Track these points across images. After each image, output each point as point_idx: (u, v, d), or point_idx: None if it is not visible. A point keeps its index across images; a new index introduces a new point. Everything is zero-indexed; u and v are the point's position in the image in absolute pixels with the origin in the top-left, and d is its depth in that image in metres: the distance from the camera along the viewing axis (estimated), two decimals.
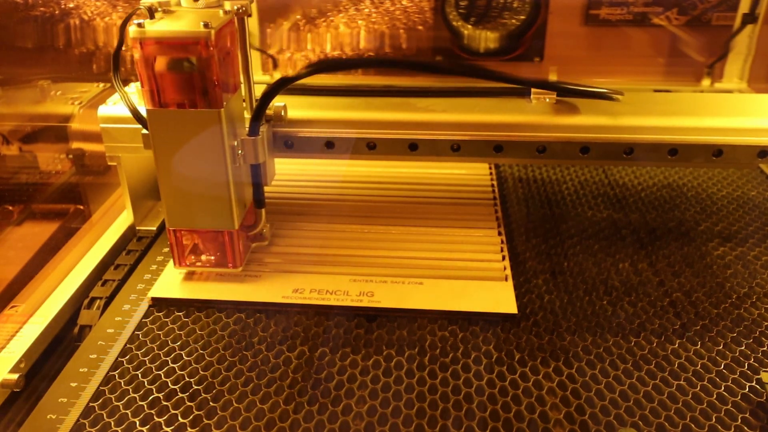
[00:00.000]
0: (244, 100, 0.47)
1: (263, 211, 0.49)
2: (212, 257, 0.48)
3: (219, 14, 0.42)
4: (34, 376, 0.42)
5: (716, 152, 0.47)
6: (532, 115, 0.48)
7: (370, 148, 0.49)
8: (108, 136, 0.51)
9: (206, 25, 0.39)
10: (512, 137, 0.48)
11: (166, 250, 0.53)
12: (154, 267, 0.50)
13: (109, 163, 0.52)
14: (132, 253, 0.53)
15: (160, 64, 0.40)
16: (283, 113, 0.48)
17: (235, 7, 0.43)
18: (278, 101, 0.47)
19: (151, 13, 0.42)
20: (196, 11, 0.43)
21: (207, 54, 0.40)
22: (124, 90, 0.48)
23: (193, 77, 0.41)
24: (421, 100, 0.51)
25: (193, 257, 0.48)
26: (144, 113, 0.50)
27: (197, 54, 0.40)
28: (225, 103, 0.42)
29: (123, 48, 0.47)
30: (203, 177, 0.44)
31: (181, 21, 0.41)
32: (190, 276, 0.48)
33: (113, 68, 0.48)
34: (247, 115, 0.46)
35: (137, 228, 0.55)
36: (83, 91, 0.72)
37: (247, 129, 0.45)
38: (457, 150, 0.49)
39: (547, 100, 0.50)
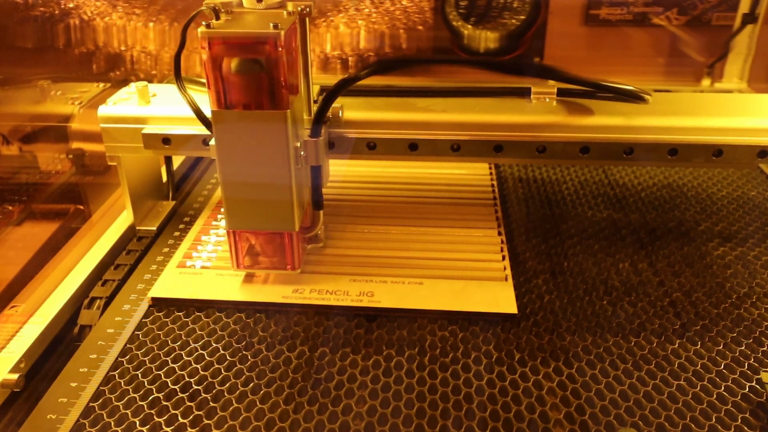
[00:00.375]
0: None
1: (321, 213, 0.49)
2: (271, 259, 0.48)
3: (283, 15, 0.41)
4: (34, 376, 0.42)
5: (716, 152, 0.47)
6: (532, 115, 0.48)
7: (371, 148, 0.49)
8: (108, 136, 0.51)
9: (276, 26, 0.39)
10: (512, 137, 0.48)
11: (166, 250, 0.53)
12: (154, 267, 0.50)
13: (109, 163, 0.52)
14: (132, 253, 0.53)
15: (228, 64, 0.40)
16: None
17: (299, 8, 0.43)
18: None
19: (216, 13, 0.41)
20: (260, 12, 0.43)
21: (276, 55, 0.39)
22: (186, 92, 0.47)
23: (260, 78, 0.40)
24: (421, 100, 0.51)
25: (249, 259, 0.48)
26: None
27: (266, 54, 0.39)
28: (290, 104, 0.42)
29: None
30: (266, 179, 0.43)
31: (247, 22, 0.41)
32: (190, 276, 0.48)
33: (175, 72, 0.47)
34: (306, 116, 0.46)
35: (137, 228, 0.55)
36: (83, 91, 0.72)
37: (306, 130, 0.45)
38: (457, 150, 0.49)
39: (547, 100, 0.50)
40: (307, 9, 0.43)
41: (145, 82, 0.52)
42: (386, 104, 0.50)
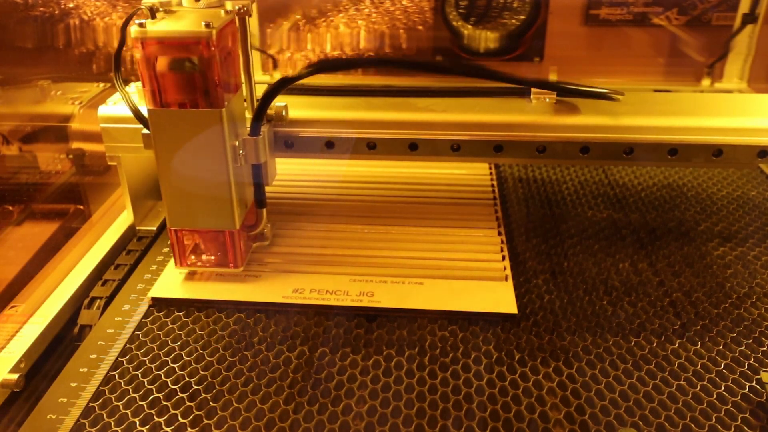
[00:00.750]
0: (245, 100, 0.47)
1: (264, 211, 0.49)
2: (213, 257, 0.48)
3: (220, 14, 0.42)
4: (34, 376, 0.42)
5: (716, 152, 0.47)
6: (532, 115, 0.48)
7: (370, 148, 0.49)
8: (108, 136, 0.51)
9: (207, 25, 0.39)
10: (512, 137, 0.48)
11: (166, 250, 0.53)
12: (154, 267, 0.50)
13: (109, 163, 0.52)
14: (132, 253, 0.53)
15: (162, 63, 0.40)
16: (284, 113, 0.48)
17: (237, 7, 0.43)
18: (278, 101, 0.47)
19: (153, 13, 0.42)
20: (198, 11, 0.43)
21: (208, 54, 0.40)
22: (125, 90, 0.48)
23: (194, 77, 0.41)
24: (421, 100, 0.51)
25: (194, 257, 0.48)
26: (145, 113, 0.51)
27: (199, 54, 0.40)
28: (226, 103, 0.42)
29: (123, 48, 0.47)
30: (204, 177, 0.44)
31: (182, 21, 0.41)
32: (190, 276, 0.48)
33: (114, 68, 0.48)
34: (248, 115, 0.46)
35: (137, 228, 0.55)
36: (83, 91, 0.72)
37: (248, 129, 0.45)
38: (457, 150, 0.49)
39: (547, 100, 0.50)
40: (245, 8, 0.43)
41: None
42: (387, 104, 0.50)
